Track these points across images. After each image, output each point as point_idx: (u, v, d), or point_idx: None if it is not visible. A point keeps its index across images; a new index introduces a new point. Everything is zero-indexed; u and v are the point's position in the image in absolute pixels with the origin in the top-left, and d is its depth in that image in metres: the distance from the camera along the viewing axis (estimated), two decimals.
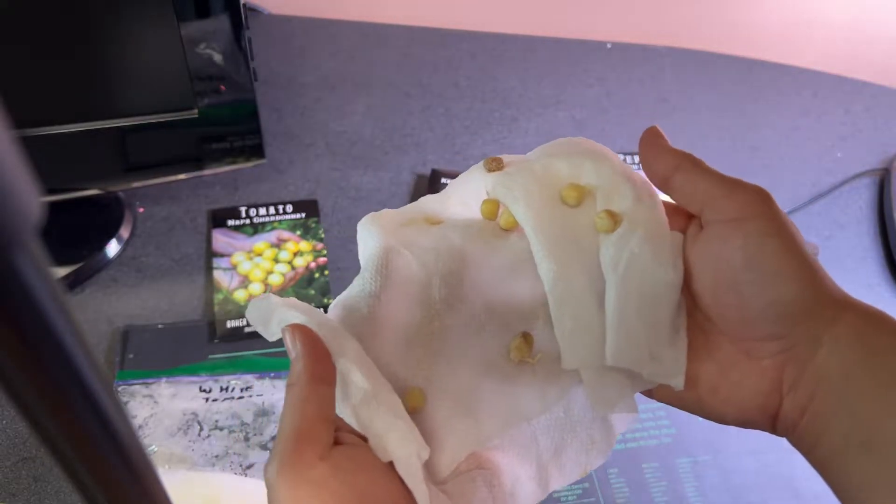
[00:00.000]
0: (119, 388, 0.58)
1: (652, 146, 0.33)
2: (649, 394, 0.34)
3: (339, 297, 0.34)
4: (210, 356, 0.63)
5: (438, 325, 0.34)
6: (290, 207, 0.74)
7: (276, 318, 0.31)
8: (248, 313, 0.33)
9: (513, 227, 0.36)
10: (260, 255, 0.70)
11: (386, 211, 0.36)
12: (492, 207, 0.36)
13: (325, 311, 0.33)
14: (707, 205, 0.32)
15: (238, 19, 0.60)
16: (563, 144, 0.36)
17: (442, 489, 0.31)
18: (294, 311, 0.31)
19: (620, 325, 0.31)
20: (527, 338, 0.34)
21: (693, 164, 0.32)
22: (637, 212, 0.33)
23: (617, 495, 0.58)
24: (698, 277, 0.32)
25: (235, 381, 0.60)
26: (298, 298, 0.66)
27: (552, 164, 0.35)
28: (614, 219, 0.33)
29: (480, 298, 0.35)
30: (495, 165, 0.36)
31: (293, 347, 0.29)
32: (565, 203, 0.34)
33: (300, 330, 0.29)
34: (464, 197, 0.37)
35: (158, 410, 0.57)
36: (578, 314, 0.32)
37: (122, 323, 0.64)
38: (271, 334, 0.32)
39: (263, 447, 0.56)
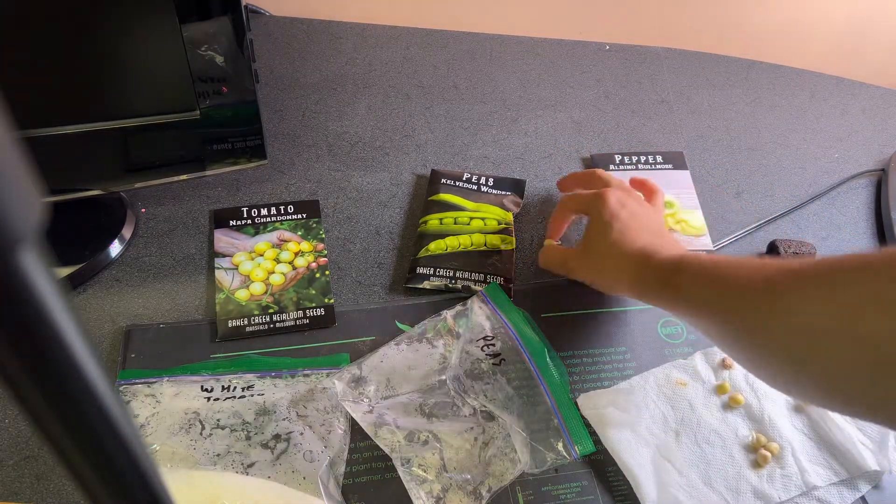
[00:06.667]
0: (121, 388, 0.59)
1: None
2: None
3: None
4: (212, 355, 0.63)
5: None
6: (291, 208, 0.75)
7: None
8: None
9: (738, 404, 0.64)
10: (261, 255, 0.70)
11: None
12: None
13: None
14: None
15: (240, 21, 0.60)
16: None
17: None
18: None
19: None
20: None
21: None
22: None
23: (615, 493, 0.58)
24: None
25: (237, 381, 0.60)
26: (300, 298, 0.67)
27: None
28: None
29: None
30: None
31: None
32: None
33: None
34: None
35: (160, 409, 0.57)
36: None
37: (125, 322, 0.65)
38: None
39: (265, 446, 0.56)
